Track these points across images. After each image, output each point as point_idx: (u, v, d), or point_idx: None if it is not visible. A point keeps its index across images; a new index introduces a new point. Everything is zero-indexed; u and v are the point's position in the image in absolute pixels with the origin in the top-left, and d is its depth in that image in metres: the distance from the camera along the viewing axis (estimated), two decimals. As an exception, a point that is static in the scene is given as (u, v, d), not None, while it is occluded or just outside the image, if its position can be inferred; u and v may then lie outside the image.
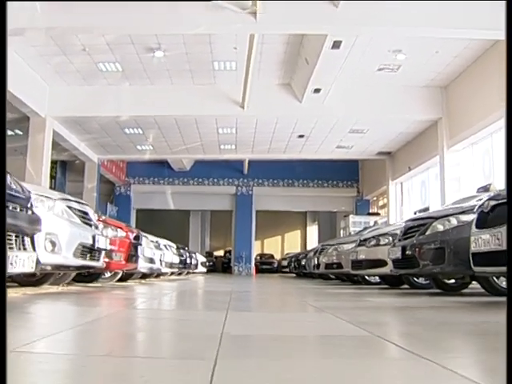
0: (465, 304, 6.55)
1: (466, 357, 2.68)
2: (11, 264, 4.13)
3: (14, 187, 4.42)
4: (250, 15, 13.03)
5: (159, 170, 34.37)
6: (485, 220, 5.55)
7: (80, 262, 6.72)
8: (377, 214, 31.22)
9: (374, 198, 33.81)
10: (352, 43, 15.61)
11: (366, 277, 12.39)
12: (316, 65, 16.60)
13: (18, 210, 4.49)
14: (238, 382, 1.97)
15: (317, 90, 18.85)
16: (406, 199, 27.67)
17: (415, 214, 17.65)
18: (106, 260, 8.14)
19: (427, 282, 9.60)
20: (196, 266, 23.18)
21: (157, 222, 35.47)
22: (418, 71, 18.68)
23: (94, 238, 7.00)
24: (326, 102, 19.67)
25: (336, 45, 15.29)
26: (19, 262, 4.34)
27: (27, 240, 4.65)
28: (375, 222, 24.19)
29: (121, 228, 9.68)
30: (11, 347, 2.41)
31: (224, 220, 40.73)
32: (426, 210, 18.21)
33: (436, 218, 7.45)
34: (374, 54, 17.11)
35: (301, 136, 24.78)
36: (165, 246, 14.73)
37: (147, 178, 35.34)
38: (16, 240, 4.40)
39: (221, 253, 46.03)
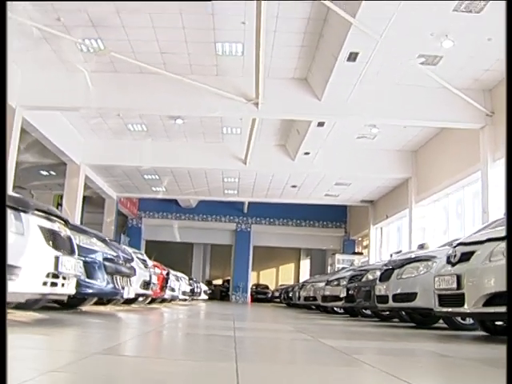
0: (357, 323, 10.49)
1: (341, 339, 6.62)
2: (126, 293, 8.22)
3: (127, 252, 8.52)
4: (253, 105, 17.16)
5: (168, 205, 38.28)
6: (381, 277, 9.66)
7: (142, 291, 10.79)
8: (360, 253, 35.02)
9: (360, 239, 37.62)
10: (333, 123, 19.68)
11: (334, 308, 16.35)
12: (305, 137, 20.71)
13: (126, 264, 8.58)
14: (249, 338, 5.93)
15: (306, 153, 22.90)
16: (384, 242, 31.58)
17: (391, 256, 21.06)
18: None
19: (371, 313, 13.56)
20: (200, 293, 27.15)
21: (164, 252, 39.15)
22: (390, 140, 22.67)
23: (150, 276, 11.07)
24: (314, 161, 23.68)
25: (320, 124, 19.42)
26: (126, 292, 8.42)
27: (129, 280, 8.72)
28: (351, 263, 28.09)
29: (158, 267, 13.78)
30: (126, 337, 6.40)
31: (223, 252, 44.51)
32: (400, 252, 21.90)
33: (368, 271, 11.55)
34: (353, 127, 21.08)
35: (294, 186, 28.94)
36: (181, 278, 18.82)
37: (157, 212, 39.30)
38: (127, 280, 8.47)
39: (219, 281, 49.70)
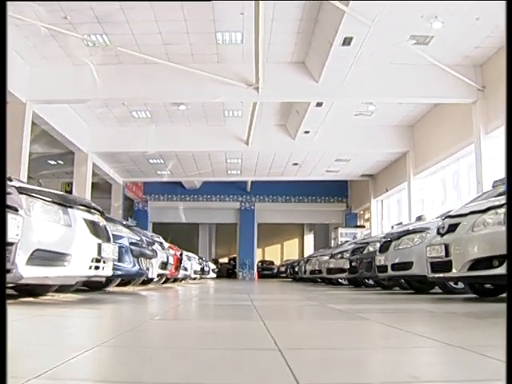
0: (346, 289, 11.36)
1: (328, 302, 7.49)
2: (150, 273, 9.09)
3: (149, 236, 9.37)
4: (254, 89, 17.94)
5: (173, 188, 39.13)
6: (380, 248, 10.54)
7: (161, 271, 11.69)
8: (362, 226, 35.92)
9: (361, 212, 38.50)
10: (331, 103, 20.48)
11: (339, 279, 17.26)
12: (304, 116, 21.52)
13: (149, 248, 9.43)
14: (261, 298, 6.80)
15: (306, 132, 23.70)
16: (385, 214, 32.47)
17: (392, 227, 21.83)
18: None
19: (373, 283, 14.44)
20: (208, 272, 28.09)
21: (170, 233, 40.03)
22: (387, 115, 23.44)
23: (167, 257, 11.97)
24: (314, 139, 24.49)
25: (319, 104, 20.22)
26: (150, 272, 9.29)
27: (151, 261, 9.59)
28: (354, 236, 28.98)
29: (172, 249, 14.68)
30: (152, 312, 7.28)
31: (228, 231, 45.42)
32: (400, 223, 22.76)
33: (368, 243, 12.43)
34: (350, 106, 21.86)
35: (295, 164, 29.78)
36: (192, 258, 19.75)
37: (162, 195, 40.17)
38: (150, 262, 9.34)
39: (225, 259, 50.75)
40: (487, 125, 17.81)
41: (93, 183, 35.10)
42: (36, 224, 5.34)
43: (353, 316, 5.32)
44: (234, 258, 44.79)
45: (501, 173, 16.13)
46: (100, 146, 25.08)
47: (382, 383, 2.20)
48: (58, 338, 3.48)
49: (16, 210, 4.45)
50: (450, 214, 8.03)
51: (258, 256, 44.02)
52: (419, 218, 15.33)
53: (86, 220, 6.11)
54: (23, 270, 5.03)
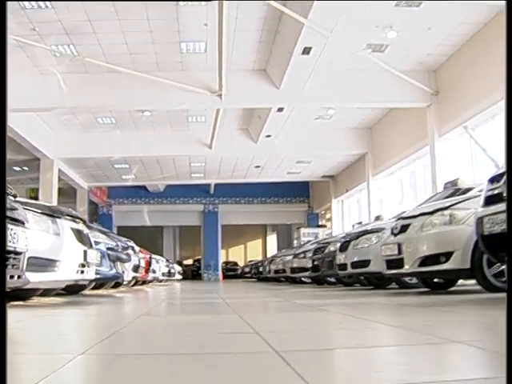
0: (303, 286, 12.09)
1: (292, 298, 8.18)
2: (125, 276, 9.68)
3: (123, 241, 9.96)
4: (217, 96, 18.59)
5: (137, 191, 39.51)
6: (340, 248, 11.28)
7: (134, 274, 12.28)
8: (324, 226, 36.74)
9: (323, 212, 39.33)
10: (291, 109, 21.19)
11: (302, 278, 17.97)
12: (266, 121, 22.22)
13: (124, 252, 10.01)
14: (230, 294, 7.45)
15: (268, 136, 24.40)
16: (346, 214, 33.37)
17: (353, 226, 22.60)
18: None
19: (335, 281, 15.17)
20: (174, 274, 28.64)
21: (135, 237, 40.40)
22: (346, 119, 24.27)
23: (139, 260, 12.56)
24: (276, 142, 25.21)
25: (280, 109, 20.92)
26: (125, 275, 9.88)
27: (125, 265, 10.18)
28: (316, 236, 29.76)
29: (143, 252, 15.27)
30: (143, 308, 7.91)
31: (192, 233, 45.93)
32: (360, 223, 23.52)
33: (329, 243, 13.18)
34: (311, 110, 22.61)
35: (257, 166, 30.51)
36: (159, 260, 20.33)
37: (126, 198, 40.50)
38: (123, 265, 9.92)
39: (189, 261, 51.21)
40: (441, 128, 18.71)
41: (58, 188, 35.44)
42: (29, 234, 5.90)
43: (315, 308, 6.02)
44: (199, 260, 45.33)
45: (454, 173, 17.12)
46: (65, 152, 25.43)
47: (334, 348, 2.92)
48: (70, 331, 4.11)
49: (23, 224, 5.03)
50: (402, 215, 8.81)
51: (222, 257, 44.64)
52: (377, 218, 16.12)
53: (72, 229, 6.70)
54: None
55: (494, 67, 15.39)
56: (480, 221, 5.67)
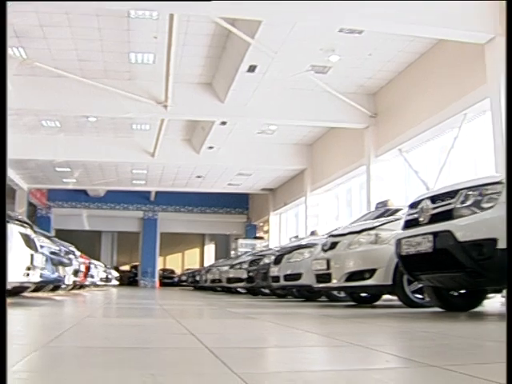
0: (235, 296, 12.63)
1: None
2: (66, 280, 10.01)
3: (65, 245, 10.29)
4: (162, 107, 18.99)
5: (77, 195, 39.39)
6: (275, 260, 11.83)
7: (74, 278, 12.58)
8: (261, 238, 37.34)
9: (261, 224, 39.98)
10: (235, 122, 21.71)
11: (238, 288, 18.45)
12: (209, 133, 22.70)
13: (66, 256, 10.34)
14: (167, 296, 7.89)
15: (211, 147, 24.87)
16: (283, 227, 34.09)
17: (290, 240, 23.28)
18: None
19: (269, 292, 15.69)
20: (111, 280, 28.82)
21: (73, 241, 40.19)
22: (288, 134, 24.97)
23: (79, 265, 12.86)
24: (218, 154, 25.70)
25: (223, 123, 21.43)
26: (67, 279, 10.21)
27: (67, 269, 10.50)
28: (253, 247, 30.27)
29: (82, 257, 15.54)
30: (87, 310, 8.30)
31: (130, 239, 45.94)
32: (297, 237, 24.10)
33: (264, 256, 13.72)
34: (253, 124, 23.19)
35: (199, 176, 30.96)
36: (97, 265, 20.56)
37: (66, 202, 40.29)
38: (64, 269, 10.25)
39: (127, 267, 51.10)
40: (377, 149, 19.51)
41: (-5, 188, 35.22)
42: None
43: (246, 317, 6.51)
44: (136, 266, 45.35)
45: (388, 193, 17.92)
46: (8, 153, 25.31)
47: (258, 347, 3.47)
48: (24, 330, 4.51)
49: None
50: (332, 233, 9.41)
51: (159, 264, 44.77)
52: (312, 233, 16.76)
53: (21, 233, 7.04)
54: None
55: (429, 95, 16.29)
56: (399, 242, 6.27)
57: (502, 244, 5.00)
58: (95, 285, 21.31)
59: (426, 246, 5.63)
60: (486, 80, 13.38)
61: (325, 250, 8.90)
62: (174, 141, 25.60)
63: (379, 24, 13.21)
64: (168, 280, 45.93)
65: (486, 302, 9.88)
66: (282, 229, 34.10)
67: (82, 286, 19.58)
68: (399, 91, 18.25)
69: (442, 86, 15.67)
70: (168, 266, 51.75)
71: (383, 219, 8.77)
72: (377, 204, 12.01)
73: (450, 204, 5.51)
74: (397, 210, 9.53)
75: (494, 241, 5.04)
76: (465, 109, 14.96)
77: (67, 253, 10.68)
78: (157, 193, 38.95)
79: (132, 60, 17.62)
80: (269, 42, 14.81)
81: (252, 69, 16.36)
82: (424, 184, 17.23)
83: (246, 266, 16.09)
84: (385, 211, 10.20)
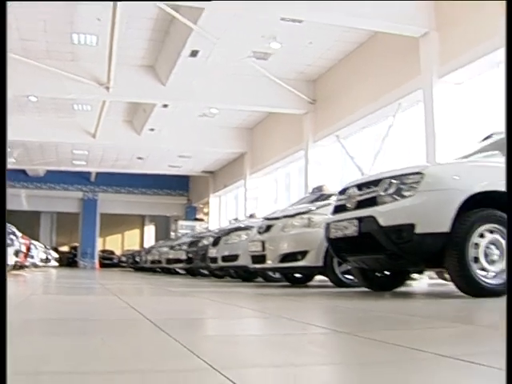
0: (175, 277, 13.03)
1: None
2: (8, 260, 10.21)
3: (8, 230, 10.48)
4: (105, 89, 19.09)
5: (15, 174, 38.66)
6: (213, 242, 12.23)
7: (15, 259, 12.72)
8: (201, 220, 37.64)
9: (201, 206, 40.29)
10: (176, 105, 21.94)
11: (177, 269, 18.79)
12: (150, 115, 22.88)
13: (8, 236, 10.52)
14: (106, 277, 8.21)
15: (152, 129, 25.05)
16: (223, 209, 34.50)
17: (230, 222, 23.68)
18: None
19: (208, 273, 16.08)
20: (51, 260, 28.82)
21: (12, 221, 39.82)
22: (228, 118, 25.28)
23: (20, 246, 13.01)
24: (159, 136, 25.88)
25: (165, 105, 21.65)
26: (8, 260, 10.40)
27: (8, 249, 10.69)
28: (193, 229, 30.59)
29: (24, 238, 15.65)
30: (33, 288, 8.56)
31: (70, 219, 45.60)
32: (236, 219, 24.50)
33: (203, 237, 14.11)
34: (195, 108, 23.43)
35: (140, 158, 31.08)
36: (38, 246, 20.60)
37: (3, 181, 39.80)
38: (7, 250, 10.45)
39: (65, 248, 50.70)
40: (315, 134, 20.04)
41: None
42: None
43: (184, 294, 6.91)
44: (76, 247, 45.10)
45: (325, 178, 18.47)
46: None
47: (194, 318, 3.84)
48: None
49: None
50: (268, 216, 9.85)
51: (99, 245, 44.63)
52: (251, 216, 17.13)
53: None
54: None
55: (366, 84, 16.84)
56: (328, 226, 6.72)
57: (419, 229, 5.50)
58: (35, 265, 21.36)
59: (352, 230, 6.09)
60: (420, 72, 14.01)
61: (260, 233, 9.33)
62: (116, 122, 25.65)
63: (317, 15, 13.67)
64: (108, 261, 45.75)
65: (414, 283, 10.55)
66: (221, 211, 34.49)
67: (21, 267, 19.61)
68: (338, 79, 18.78)
69: (379, 76, 16.24)
70: (108, 247, 51.54)
71: (317, 204, 9.23)
72: (312, 189, 12.49)
73: (374, 192, 5.97)
74: (331, 195, 9.97)
75: (412, 226, 5.52)
76: (399, 98, 15.56)
77: (9, 233, 10.85)
78: (97, 174, 38.83)
79: (75, 41, 17.66)
80: (211, 28, 15.11)
81: (194, 54, 16.64)
82: (359, 170, 17.81)
83: (185, 247, 16.45)
84: (320, 196, 10.67)
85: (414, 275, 11.10)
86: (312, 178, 19.59)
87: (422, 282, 11.34)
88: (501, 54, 12.06)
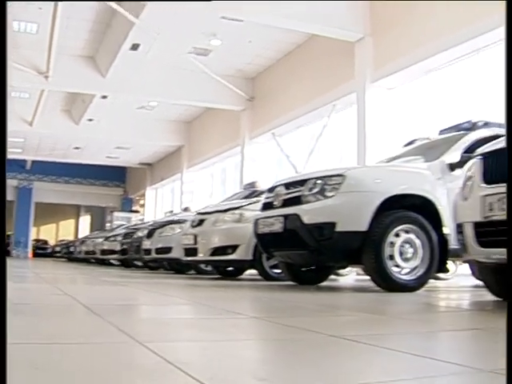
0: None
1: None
2: None
3: None
4: (44, 78, 19.04)
5: None
6: (147, 234, 12.49)
7: None
8: (137, 211, 37.63)
9: (137, 198, 40.28)
10: (116, 96, 22.00)
11: (111, 260, 18.90)
12: (89, 106, 22.88)
13: None
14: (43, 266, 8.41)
15: (90, 120, 25.01)
16: (159, 201, 34.64)
17: (165, 214, 23.85)
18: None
19: (142, 264, 16.29)
20: (-19, 247, 28.38)
21: None
22: (167, 111, 25.42)
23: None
24: (97, 127, 25.85)
25: (104, 97, 21.70)
26: None
27: None
28: (128, 220, 30.64)
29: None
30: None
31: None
32: (172, 212, 24.67)
33: (138, 229, 14.34)
34: (135, 100, 23.55)
35: (77, 148, 30.95)
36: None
37: None
38: None
39: (-3, 236, 49.80)
40: (252, 131, 20.42)
41: None
42: None
43: (117, 284, 7.18)
44: (8, 236, 44.41)
45: (261, 174, 18.87)
46: None
47: (125, 304, 4.15)
48: None
49: None
50: (201, 211, 10.18)
51: (33, 235, 44.10)
52: (186, 209, 17.41)
53: None
54: None
55: (303, 84, 17.30)
56: (256, 222, 7.10)
57: (339, 227, 5.93)
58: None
59: (278, 226, 6.48)
60: (354, 75, 14.53)
61: (193, 226, 9.65)
62: (54, 111, 25.51)
63: (256, 16, 14.05)
64: (41, 251, 45.18)
65: (341, 278, 11.04)
66: (157, 203, 34.62)
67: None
68: (276, 78, 19.19)
69: (316, 77, 16.70)
70: (42, 237, 50.94)
71: (249, 200, 9.61)
72: (245, 185, 12.87)
73: (299, 191, 6.37)
74: (263, 192, 10.35)
75: (333, 224, 5.94)
76: (334, 100, 16.04)
77: None
78: (33, 162, 38.33)
79: (15, 28, 17.56)
80: (153, 23, 15.29)
81: (135, 47, 16.76)
82: (294, 168, 18.24)
83: (120, 238, 16.62)
84: (252, 192, 11.05)
85: (343, 271, 11.65)
86: (247, 174, 19.96)
87: (349, 277, 11.86)
88: (431, 63, 12.75)
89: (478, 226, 4.26)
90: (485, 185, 4.23)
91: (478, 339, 2.83)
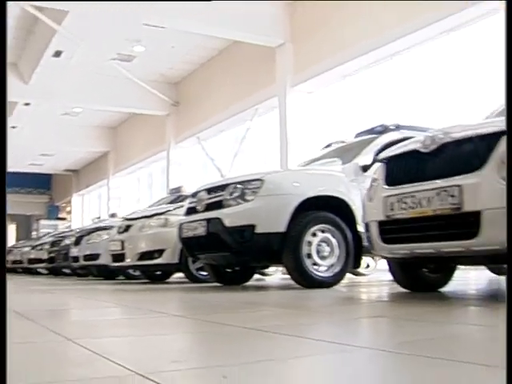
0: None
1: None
2: None
3: None
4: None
5: None
6: (75, 241, 12.58)
7: None
8: (63, 219, 37.18)
9: (64, 205, 39.74)
10: (39, 103, 21.82)
11: (38, 269, 18.75)
12: (12, 113, 22.58)
13: None
14: None
15: (13, 127, 24.67)
16: (86, 208, 34.34)
17: (93, 221, 23.76)
18: None
19: (70, 272, 16.26)
20: None
21: None
22: (92, 117, 25.26)
23: None
24: (21, 134, 25.49)
25: (27, 104, 21.50)
26: None
27: None
28: (55, 228, 30.29)
29: None
30: None
31: None
32: (99, 218, 24.57)
33: (65, 237, 14.39)
34: (58, 106, 23.37)
35: (-1, 155, 30.36)
36: None
37: None
38: None
39: None
40: (177, 136, 20.66)
41: None
42: None
43: (46, 291, 7.34)
44: None
45: (186, 178, 19.09)
46: None
47: (55, 309, 4.35)
48: None
49: None
50: (127, 217, 10.38)
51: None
52: (113, 215, 17.46)
53: None
54: None
55: (226, 88, 17.62)
56: (180, 226, 7.36)
57: (259, 229, 6.26)
58: None
59: (201, 230, 6.76)
60: (276, 80, 14.93)
61: (120, 232, 9.85)
62: (-26, 119, 25.04)
63: (178, 22, 14.33)
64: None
65: (267, 278, 11.39)
66: (84, 210, 34.34)
67: None
68: (199, 83, 19.44)
69: (238, 82, 17.04)
70: (-37, 247, 49.58)
71: (174, 205, 9.85)
72: (171, 190, 13.10)
73: (221, 195, 6.67)
74: (188, 196, 10.62)
75: (252, 226, 6.26)
76: (256, 104, 16.43)
77: None
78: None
79: None
80: (75, 29, 15.31)
81: (58, 54, 16.75)
82: (219, 171, 18.56)
83: (47, 246, 16.57)
84: (178, 196, 11.28)
85: (268, 271, 12.02)
86: (173, 179, 20.18)
87: (275, 276, 12.22)
88: (348, 68, 13.28)
89: (381, 224, 4.65)
90: (387, 186, 4.63)
91: (378, 324, 3.19)
